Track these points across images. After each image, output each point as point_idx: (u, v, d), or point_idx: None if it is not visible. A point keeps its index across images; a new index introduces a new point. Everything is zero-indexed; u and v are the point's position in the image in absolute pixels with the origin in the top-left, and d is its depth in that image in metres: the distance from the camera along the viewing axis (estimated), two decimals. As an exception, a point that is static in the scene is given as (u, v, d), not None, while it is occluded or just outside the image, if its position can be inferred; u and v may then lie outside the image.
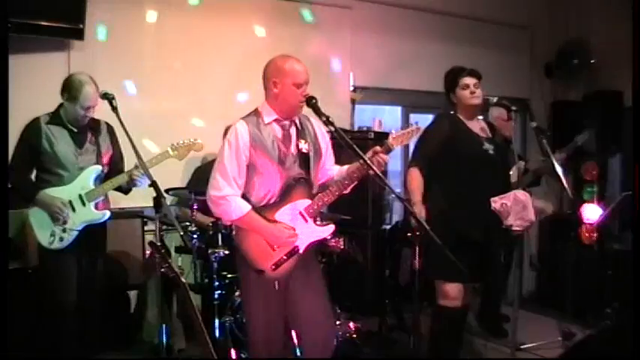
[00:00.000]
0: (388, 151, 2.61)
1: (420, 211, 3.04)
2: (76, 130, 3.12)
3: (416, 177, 3.16)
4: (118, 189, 3.22)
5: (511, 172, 3.52)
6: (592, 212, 4.10)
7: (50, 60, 3.82)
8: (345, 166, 2.77)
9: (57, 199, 3.06)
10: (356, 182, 2.62)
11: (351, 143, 2.45)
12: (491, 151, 3.20)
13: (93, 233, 3.16)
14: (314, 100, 2.53)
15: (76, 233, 3.08)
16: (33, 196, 3.06)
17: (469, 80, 3.21)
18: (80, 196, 3.11)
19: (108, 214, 3.21)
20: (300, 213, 2.61)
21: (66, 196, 3.08)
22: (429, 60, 5.17)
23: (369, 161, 2.45)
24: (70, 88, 3.04)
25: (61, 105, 3.11)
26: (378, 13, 5.14)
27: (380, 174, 2.45)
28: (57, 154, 3.07)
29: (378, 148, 2.58)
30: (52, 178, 3.09)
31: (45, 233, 3.06)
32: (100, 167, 3.18)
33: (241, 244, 2.60)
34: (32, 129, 3.07)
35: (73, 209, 3.09)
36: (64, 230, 3.06)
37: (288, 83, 2.54)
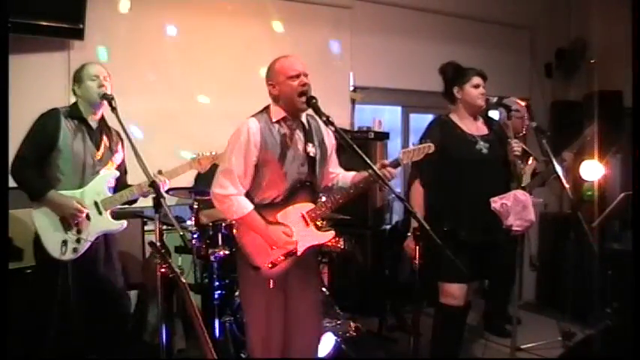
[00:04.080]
0: (397, 165, 2.64)
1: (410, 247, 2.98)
2: (94, 126, 3.00)
3: (418, 192, 3.16)
4: None
5: (525, 172, 3.49)
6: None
7: (50, 60, 3.82)
8: (351, 173, 2.79)
9: (72, 199, 2.84)
10: (361, 192, 2.64)
11: (352, 143, 2.45)
12: (485, 150, 3.17)
13: (105, 244, 3.03)
14: (314, 100, 2.53)
15: (89, 244, 2.90)
16: (43, 194, 2.83)
17: (480, 80, 3.18)
18: (96, 204, 2.93)
19: (125, 223, 3.05)
20: (302, 216, 2.62)
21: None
22: (429, 60, 5.10)
23: (368, 161, 2.45)
24: (75, 76, 3.00)
25: (75, 102, 3.01)
26: (378, 13, 5.15)
27: (381, 175, 2.46)
28: (74, 151, 2.89)
29: (386, 161, 2.60)
30: (62, 179, 2.89)
31: (55, 242, 2.85)
32: (117, 173, 3.04)
33: (241, 239, 2.62)
34: (50, 120, 2.88)
35: (88, 217, 2.90)
36: (77, 240, 2.87)
37: (283, 79, 2.56)
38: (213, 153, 3.11)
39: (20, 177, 2.86)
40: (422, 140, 3.12)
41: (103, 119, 3.08)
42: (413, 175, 3.22)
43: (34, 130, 2.89)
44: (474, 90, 3.18)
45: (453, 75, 3.24)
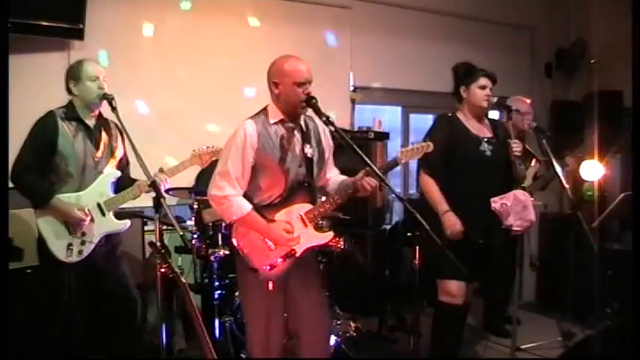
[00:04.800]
0: (395, 164, 2.64)
1: (452, 220, 3.04)
2: (91, 125, 2.96)
3: (431, 185, 3.16)
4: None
5: (527, 173, 3.50)
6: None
7: (50, 60, 3.82)
8: (341, 177, 2.77)
9: (74, 207, 2.85)
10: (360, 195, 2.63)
11: (351, 143, 2.45)
12: (488, 152, 3.18)
13: (109, 244, 3.03)
14: (314, 100, 2.53)
15: (94, 245, 2.91)
16: (46, 202, 2.83)
17: (487, 82, 3.19)
18: (99, 205, 2.94)
19: (129, 223, 3.05)
20: (301, 217, 2.62)
21: (83, 203, 2.89)
22: (429, 60, 5.17)
23: (368, 161, 2.45)
24: (71, 73, 2.93)
25: (70, 100, 2.96)
26: (378, 12, 5.15)
27: (381, 174, 2.46)
28: (74, 153, 2.87)
29: (368, 170, 2.51)
30: (64, 181, 2.89)
31: (60, 245, 2.86)
32: (119, 172, 3.02)
33: (239, 242, 2.61)
34: (48, 124, 2.85)
35: (92, 219, 2.91)
36: (82, 242, 2.88)
37: (289, 83, 2.53)
38: (213, 147, 3.09)
39: (22, 184, 2.85)
40: (429, 135, 3.14)
41: (100, 116, 3.03)
42: (420, 166, 3.22)
43: (32, 135, 2.86)
44: (479, 91, 3.19)
45: (463, 74, 3.24)
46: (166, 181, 3.01)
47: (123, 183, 3.06)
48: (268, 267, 2.55)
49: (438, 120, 3.33)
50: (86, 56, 3.79)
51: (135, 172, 3.05)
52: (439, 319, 3.27)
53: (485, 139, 3.21)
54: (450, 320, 3.24)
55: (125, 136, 2.79)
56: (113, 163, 3.06)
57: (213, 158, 3.07)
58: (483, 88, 3.18)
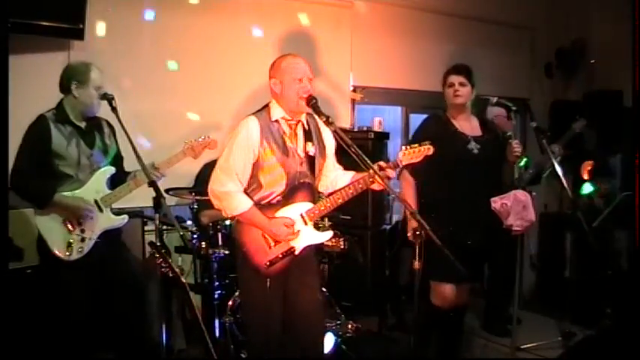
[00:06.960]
0: (396, 166, 2.64)
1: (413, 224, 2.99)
2: (83, 126, 2.96)
3: (407, 182, 3.18)
4: None
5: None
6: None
7: (50, 60, 3.81)
8: (350, 173, 2.78)
9: (79, 200, 2.88)
10: (360, 192, 2.63)
11: (351, 143, 2.45)
12: (475, 150, 3.18)
13: (109, 238, 3.02)
14: (314, 100, 2.54)
15: (94, 242, 2.92)
16: (49, 200, 2.84)
17: (453, 78, 3.21)
18: (96, 202, 2.95)
19: (127, 218, 3.07)
20: (301, 215, 2.62)
21: None
22: (429, 60, 5.16)
23: (368, 160, 2.45)
24: (76, 74, 2.91)
25: (61, 101, 2.96)
26: (378, 12, 5.15)
27: (379, 173, 2.46)
28: (69, 154, 2.89)
29: (383, 163, 2.58)
30: (61, 183, 2.89)
31: (60, 244, 2.87)
32: (113, 169, 3.03)
33: (239, 238, 2.62)
34: (39, 128, 2.86)
35: (90, 216, 2.92)
36: (82, 240, 2.90)
37: (288, 79, 2.56)
38: (206, 139, 3.09)
39: (22, 189, 2.85)
40: (416, 134, 3.15)
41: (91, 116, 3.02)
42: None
43: (25, 141, 2.86)
44: (448, 90, 3.23)
45: (443, 78, 3.29)
46: (160, 178, 2.98)
47: (119, 178, 3.07)
48: (268, 264, 2.56)
49: (425, 120, 3.36)
50: (86, 56, 3.79)
51: (130, 167, 3.06)
52: (425, 320, 3.24)
53: (474, 138, 3.21)
54: (439, 321, 3.22)
55: (126, 136, 2.79)
56: (108, 160, 3.07)
57: (207, 147, 3.09)
58: (451, 85, 3.22)
